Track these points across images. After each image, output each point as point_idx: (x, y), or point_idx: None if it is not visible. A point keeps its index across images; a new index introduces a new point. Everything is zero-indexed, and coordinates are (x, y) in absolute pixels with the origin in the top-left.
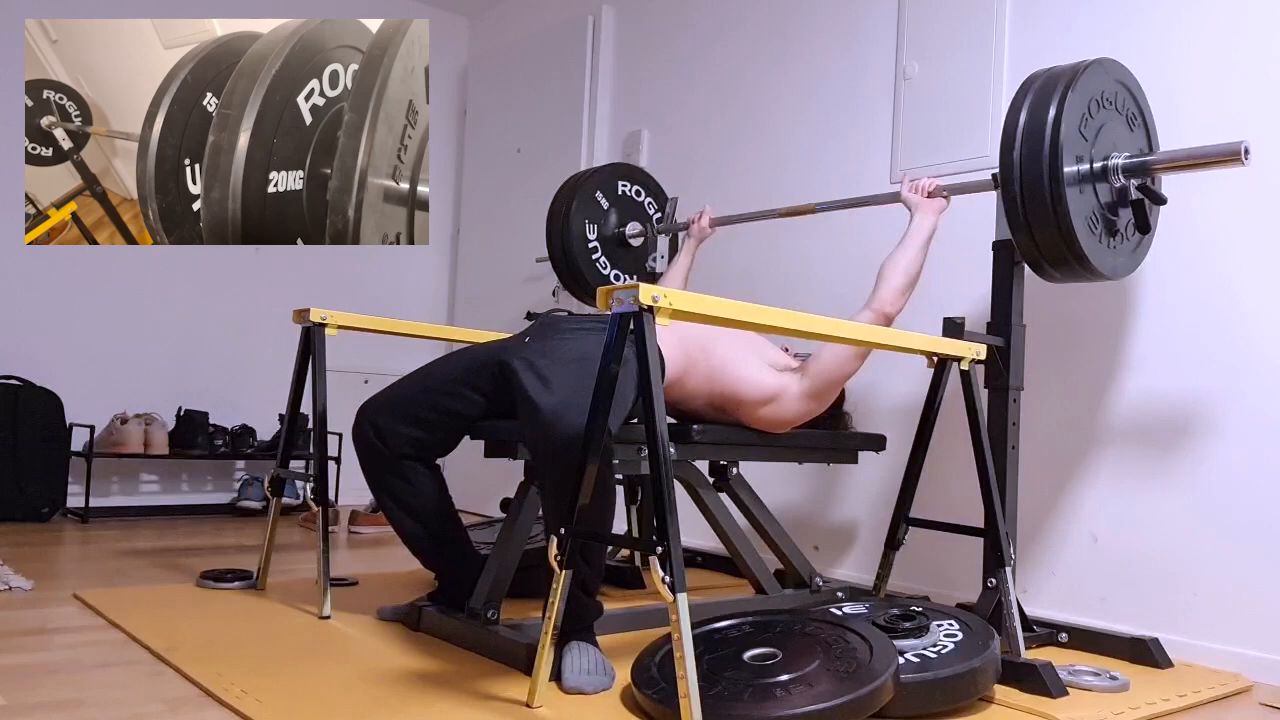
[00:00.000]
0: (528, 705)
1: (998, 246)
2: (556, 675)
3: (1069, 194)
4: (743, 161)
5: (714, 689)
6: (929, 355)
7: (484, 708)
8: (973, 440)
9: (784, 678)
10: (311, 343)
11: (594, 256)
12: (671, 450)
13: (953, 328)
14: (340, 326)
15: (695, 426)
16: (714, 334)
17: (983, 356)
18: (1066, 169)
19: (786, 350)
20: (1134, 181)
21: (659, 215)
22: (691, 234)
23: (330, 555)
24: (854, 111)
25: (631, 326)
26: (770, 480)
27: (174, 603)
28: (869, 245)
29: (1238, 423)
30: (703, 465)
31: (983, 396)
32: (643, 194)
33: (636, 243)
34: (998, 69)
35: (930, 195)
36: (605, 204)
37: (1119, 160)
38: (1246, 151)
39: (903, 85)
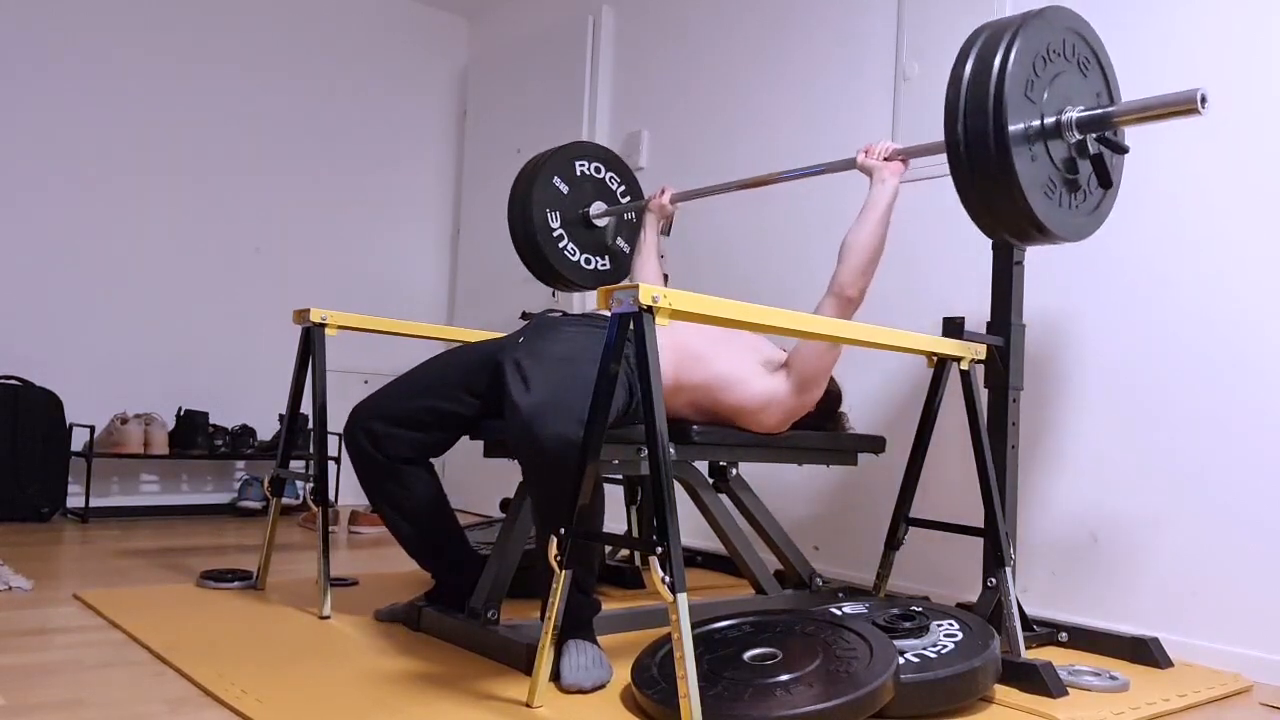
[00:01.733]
0: (528, 705)
1: (997, 246)
2: (555, 674)
3: (1017, 151)
4: (742, 161)
5: (714, 689)
6: (929, 355)
7: (484, 708)
8: (973, 440)
9: (784, 678)
10: (311, 343)
11: (560, 244)
12: (671, 450)
13: (953, 328)
14: (340, 326)
15: (695, 426)
16: (714, 347)
17: (982, 356)
18: (1013, 127)
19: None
20: (1091, 135)
21: (623, 189)
22: (651, 209)
23: (330, 555)
24: (854, 112)
25: (631, 326)
26: (770, 480)
27: (174, 603)
28: None
29: (1238, 422)
30: (702, 466)
31: (983, 396)
32: (603, 170)
33: (601, 223)
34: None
35: (887, 160)
36: (565, 188)
37: (1073, 114)
38: (1203, 99)
39: (902, 86)
